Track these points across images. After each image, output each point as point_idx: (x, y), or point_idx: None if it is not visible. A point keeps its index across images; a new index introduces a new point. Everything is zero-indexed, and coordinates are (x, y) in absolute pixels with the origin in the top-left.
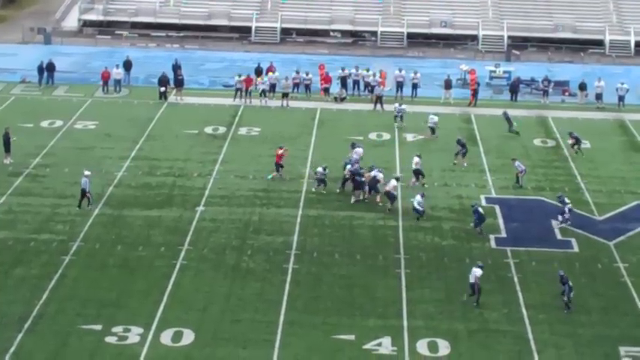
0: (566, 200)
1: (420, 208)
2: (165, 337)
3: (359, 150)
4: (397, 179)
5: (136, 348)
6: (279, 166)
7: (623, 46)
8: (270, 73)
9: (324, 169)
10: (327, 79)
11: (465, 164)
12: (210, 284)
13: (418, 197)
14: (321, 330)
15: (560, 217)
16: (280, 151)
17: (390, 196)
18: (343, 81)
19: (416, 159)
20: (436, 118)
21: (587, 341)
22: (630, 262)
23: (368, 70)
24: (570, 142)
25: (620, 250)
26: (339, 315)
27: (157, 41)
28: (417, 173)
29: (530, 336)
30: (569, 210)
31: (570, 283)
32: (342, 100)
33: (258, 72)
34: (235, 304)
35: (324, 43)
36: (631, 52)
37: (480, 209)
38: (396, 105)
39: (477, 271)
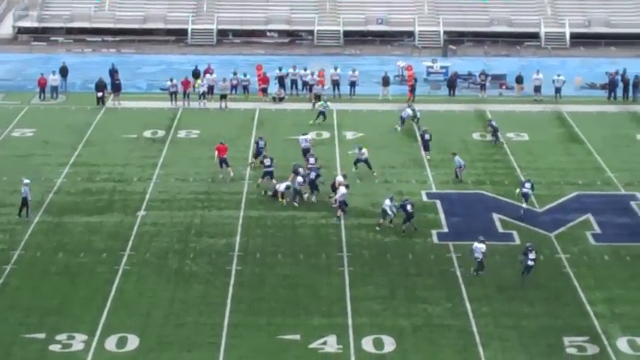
0: (527, 186)
1: (390, 212)
2: (110, 343)
3: (307, 136)
4: (347, 187)
5: (80, 355)
6: (222, 161)
7: (558, 38)
8: (208, 75)
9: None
10: (264, 79)
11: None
12: (154, 289)
13: (387, 201)
14: (266, 331)
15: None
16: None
17: (342, 204)
18: (281, 81)
19: (364, 150)
20: (410, 111)
21: (532, 332)
22: (571, 253)
23: (306, 70)
24: (489, 130)
25: (561, 241)
26: (283, 315)
27: (93, 46)
28: (365, 162)
29: (475, 329)
30: (526, 193)
31: (531, 256)
32: (281, 100)
33: (196, 74)
34: (179, 307)
35: (260, 44)
36: (566, 43)
37: (409, 207)
38: (321, 102)
39: (481, 247)
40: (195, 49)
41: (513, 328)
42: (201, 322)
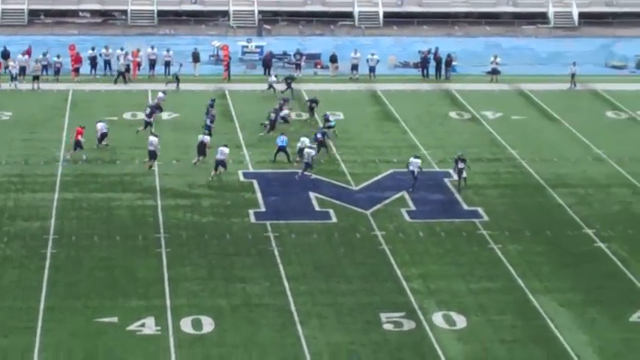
0: (331, 119)
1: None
2: None
3: (161, 95)
4: (225, 145)
5: None
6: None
7: (371, 17)
8: (20, 56)
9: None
10: (77, 59)
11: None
12: None
13: (306, 140)
14: (83, 314)
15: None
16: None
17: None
18: (93, 61)
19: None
20: (274, 78)
21: (349, 309)
22: (387, 230)
23: (122, 49)
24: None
25: (377, 219)
26: (100, 298)
27: None
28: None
29: (293, 308)
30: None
31: (461, 165)
32: (121, 76)
33: (6, 55)
34: None
35: (73, 24)
36: (380, 23)
37: (319, 135)
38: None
39: (417, 161)
40: (6, 30)
41: (331, 306)
42: (16, 306)
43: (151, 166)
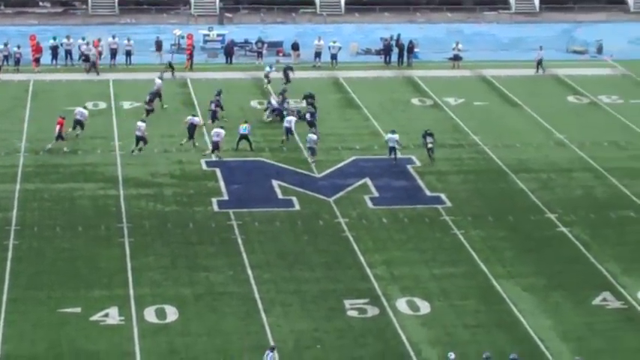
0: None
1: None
2: None
3: (159, 82)
4: (222, 127)
5: None
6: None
7: (333, 4)
8: (1, 46)
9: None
10: (38, 49)
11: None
12: None
13: (291, 118)
14: (46, 305)
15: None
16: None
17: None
18: (54, 51)
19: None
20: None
21: (313, 297)
22: (350, 217)
23: (84, 39)
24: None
25: (340, 206)
26: (63, 288)
27: None
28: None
29: (257, 296)
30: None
31: (429, 140)
32: (92, 67)
33: None
34: None
35: (33, 14)
36: (341, 10)
37: (308, 116)
38: None
39: (395, 137)
40: None
41: (295, 294)
42: None
43: (135, 150)
